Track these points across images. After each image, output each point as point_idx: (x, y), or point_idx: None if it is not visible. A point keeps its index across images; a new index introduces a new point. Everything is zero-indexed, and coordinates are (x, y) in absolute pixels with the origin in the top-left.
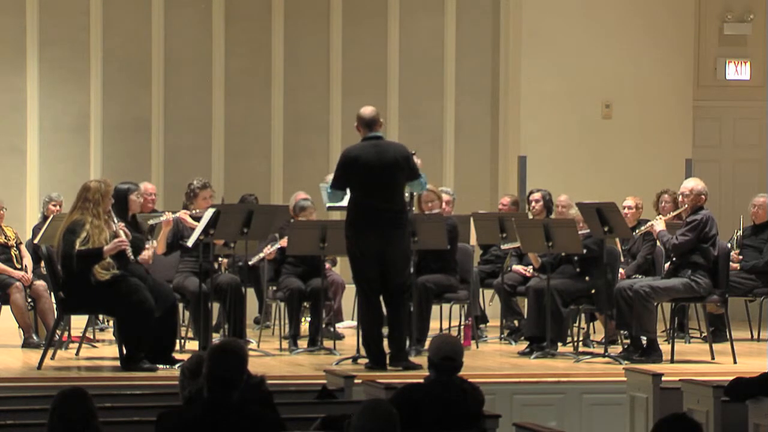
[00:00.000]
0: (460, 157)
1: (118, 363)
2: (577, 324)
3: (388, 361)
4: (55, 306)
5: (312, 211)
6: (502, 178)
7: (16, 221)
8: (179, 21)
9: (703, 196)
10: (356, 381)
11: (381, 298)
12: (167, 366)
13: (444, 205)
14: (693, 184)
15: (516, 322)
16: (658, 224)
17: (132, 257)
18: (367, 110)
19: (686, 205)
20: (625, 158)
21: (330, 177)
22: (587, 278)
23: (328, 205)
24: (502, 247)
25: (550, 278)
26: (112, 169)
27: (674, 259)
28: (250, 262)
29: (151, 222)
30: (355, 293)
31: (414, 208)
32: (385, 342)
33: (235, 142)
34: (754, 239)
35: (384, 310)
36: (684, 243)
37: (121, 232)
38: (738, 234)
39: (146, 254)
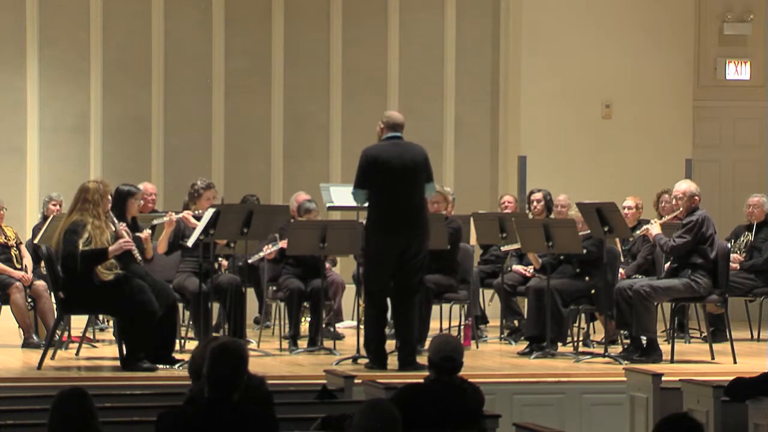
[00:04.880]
0: (460, 157)
1: (118, 363)
2: (577, 324)
3: (398, 366)
4: (55, 306)
5: (317, 212)
6: (502, 178)
7: (16, 221)
8: (179, 21)
9: (696, 197)
10: (356, 381)
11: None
12: (167, 366)
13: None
14: (686, 186)
15: (516, 322)
16: (654, 228)
17: (139, 258)
18: (398, 114)
19: (681, 208)
20: (625, 158)
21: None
22: (587, 278)
23: (328, 205)
24: (502, 249)
25: (550, 278)
26: (112, 169)
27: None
28: (249, 260)
29: (154, 222)
30: (356, 293)
31: None
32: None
33: (235, 142)
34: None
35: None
36: (682, 245)
37: (124, 233)
38: (749, 237)
39: (148, 249)
